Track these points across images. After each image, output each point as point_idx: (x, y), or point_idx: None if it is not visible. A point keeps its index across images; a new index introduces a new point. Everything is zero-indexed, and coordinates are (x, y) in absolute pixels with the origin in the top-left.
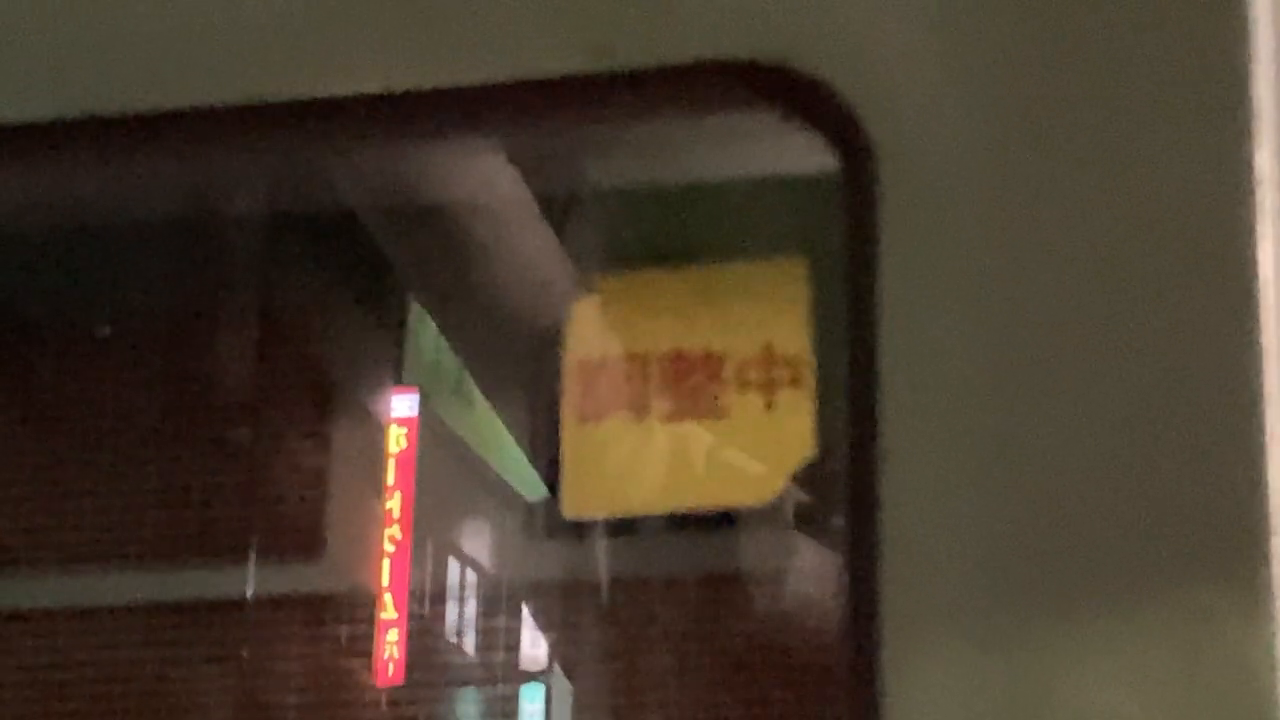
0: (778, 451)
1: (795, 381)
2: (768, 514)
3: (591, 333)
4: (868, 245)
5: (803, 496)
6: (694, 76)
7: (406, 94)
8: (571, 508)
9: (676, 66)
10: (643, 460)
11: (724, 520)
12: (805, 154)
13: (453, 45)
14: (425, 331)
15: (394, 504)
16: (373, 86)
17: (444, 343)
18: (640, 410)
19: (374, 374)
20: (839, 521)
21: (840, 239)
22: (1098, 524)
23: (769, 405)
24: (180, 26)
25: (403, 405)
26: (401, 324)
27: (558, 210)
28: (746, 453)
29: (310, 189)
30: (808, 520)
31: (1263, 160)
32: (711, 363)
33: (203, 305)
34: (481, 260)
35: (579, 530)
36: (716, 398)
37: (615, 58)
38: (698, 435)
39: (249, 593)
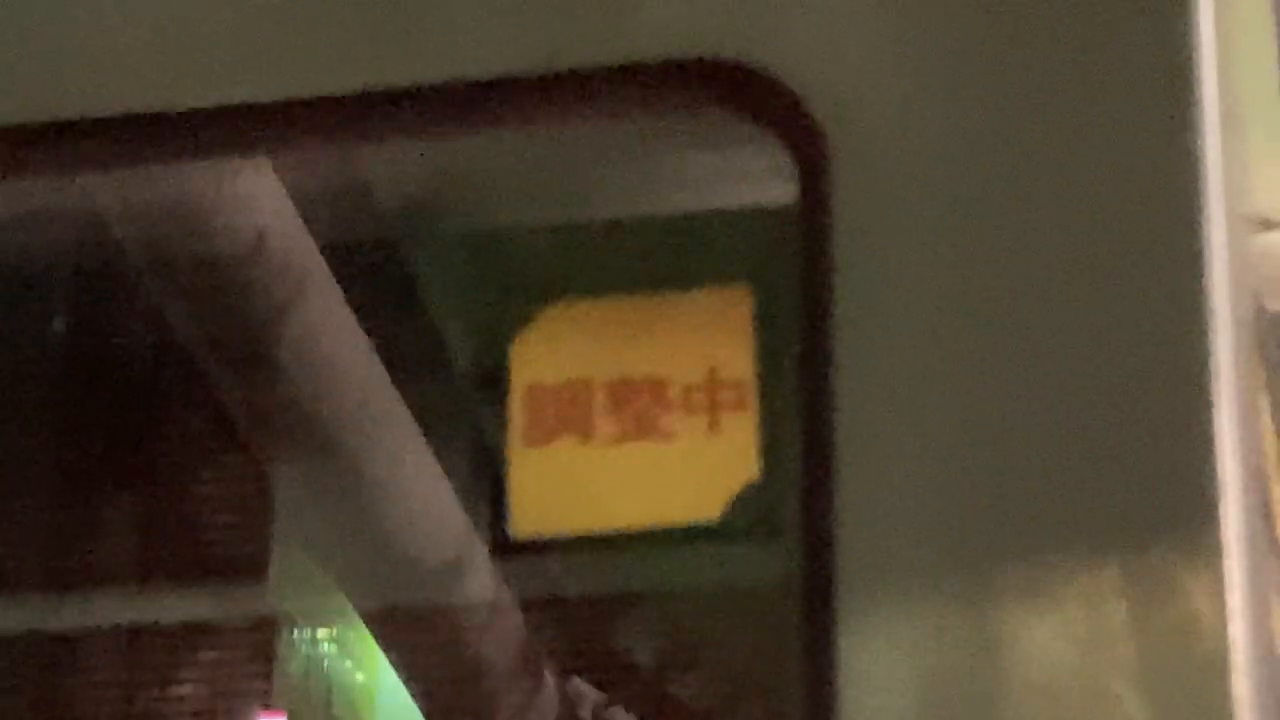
0: (722, 473)
1: (739, 405)
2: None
3: (538, 359)
4: (822, 237)
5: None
6: (644, 75)
7: (347, 95)
8: (520, 527)
9: (626, 65)
10: (589, 481)
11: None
12: (751, 180)
13: (394, 45)
14: (294, 654)
15: None
16: (310, 90)
17: (312, 664)
18: (586, 434)
19: (241, 698)
20: None
21: (788, 259)
22: (1053, 487)
23: (713, 428)
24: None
25: None
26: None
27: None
28: (691, 474)
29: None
30: None
31: (1209, 145)
32: (656, 387)
33: None
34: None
35: None
36: (661, 421)
37: (563, 58)
38: (643, 457)
39: None
